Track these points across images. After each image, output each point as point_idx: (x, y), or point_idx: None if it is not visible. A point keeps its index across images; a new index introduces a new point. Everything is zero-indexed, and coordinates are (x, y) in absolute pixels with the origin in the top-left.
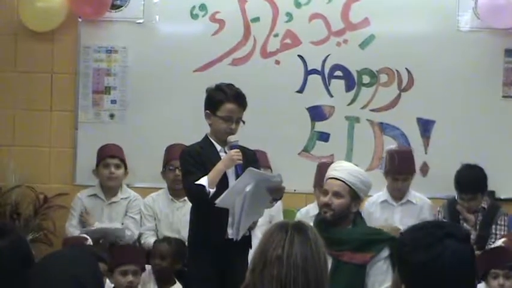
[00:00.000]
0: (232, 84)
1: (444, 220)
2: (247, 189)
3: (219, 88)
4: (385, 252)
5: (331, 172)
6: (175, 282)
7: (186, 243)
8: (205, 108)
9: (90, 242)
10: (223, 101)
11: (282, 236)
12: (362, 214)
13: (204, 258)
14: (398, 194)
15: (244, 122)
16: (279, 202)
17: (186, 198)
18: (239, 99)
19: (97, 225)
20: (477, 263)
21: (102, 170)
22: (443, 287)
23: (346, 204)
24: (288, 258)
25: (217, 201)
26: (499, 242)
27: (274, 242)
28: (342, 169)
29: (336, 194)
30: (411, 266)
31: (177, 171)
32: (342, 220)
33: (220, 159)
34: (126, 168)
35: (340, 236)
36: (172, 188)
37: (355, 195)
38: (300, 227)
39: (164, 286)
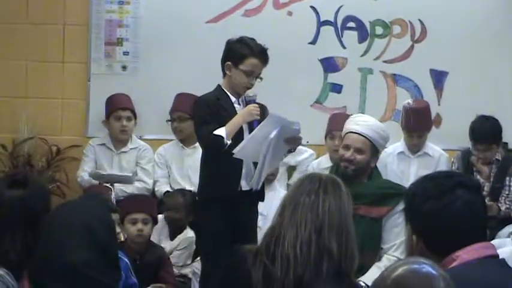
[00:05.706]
0: (254, 39)
1: (457, 171)
2: (272, 135)
3: (244, 41)
4: (401, 206)
5: (353, 126)
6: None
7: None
8: (226, 60)
9: (112, 193)
10: (248, 55)
11: (315, 185)
12: (378, 165)
13: (215, 210)
14: (414, 148)
15: (261, 79)
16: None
17: (195, 145)
18: (264, 55)
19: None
20: None
21: (114, 123)
22: (454, 236)
23: (367, 160)
24: (323, 204)
25: (235, 151)
26: None
27: (306, 189)
28: (364, 124)
29: (359, 151)
30: (422, 216)
31: (175, 123)
32: (360, 174)
33: (235, 110)
34: (135, 118)
35: (357, 190)
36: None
37: (375, 150)
38: (333, 178)
39: (176, 235)
